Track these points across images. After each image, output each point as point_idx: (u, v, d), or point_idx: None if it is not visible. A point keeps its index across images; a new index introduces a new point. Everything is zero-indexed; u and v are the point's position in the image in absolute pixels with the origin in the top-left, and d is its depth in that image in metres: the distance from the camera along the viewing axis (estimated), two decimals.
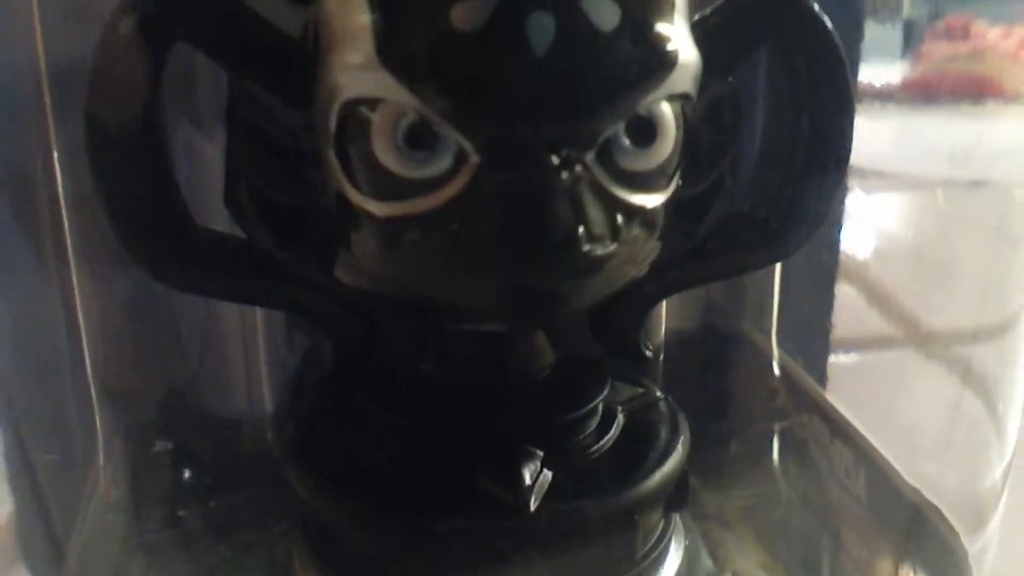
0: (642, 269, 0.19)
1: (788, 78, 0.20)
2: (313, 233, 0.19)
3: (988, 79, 0.27)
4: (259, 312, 0.27)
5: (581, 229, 0.16)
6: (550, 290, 0.17)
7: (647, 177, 0.17)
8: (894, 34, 0.28)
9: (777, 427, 0.31)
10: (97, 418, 0.28)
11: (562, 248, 0.16)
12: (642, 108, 0.17)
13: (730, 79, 0.19)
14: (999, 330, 0.26)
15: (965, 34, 0.28)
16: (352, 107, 0.16)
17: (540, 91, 0.15)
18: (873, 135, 0.26)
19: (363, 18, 0.16)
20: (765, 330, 0.31)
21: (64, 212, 0.25)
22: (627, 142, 0.17)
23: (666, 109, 0.17)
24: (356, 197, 0.17)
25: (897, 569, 0.26)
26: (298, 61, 0.17)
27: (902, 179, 0.29)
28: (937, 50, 0.28)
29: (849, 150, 0.20)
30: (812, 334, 0.31)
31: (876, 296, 0.30)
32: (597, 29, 0.15)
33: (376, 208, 0.17)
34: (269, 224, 0.19)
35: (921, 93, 0.28)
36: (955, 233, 0.28)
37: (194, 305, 0.27)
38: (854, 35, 0.26)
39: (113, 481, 0.28)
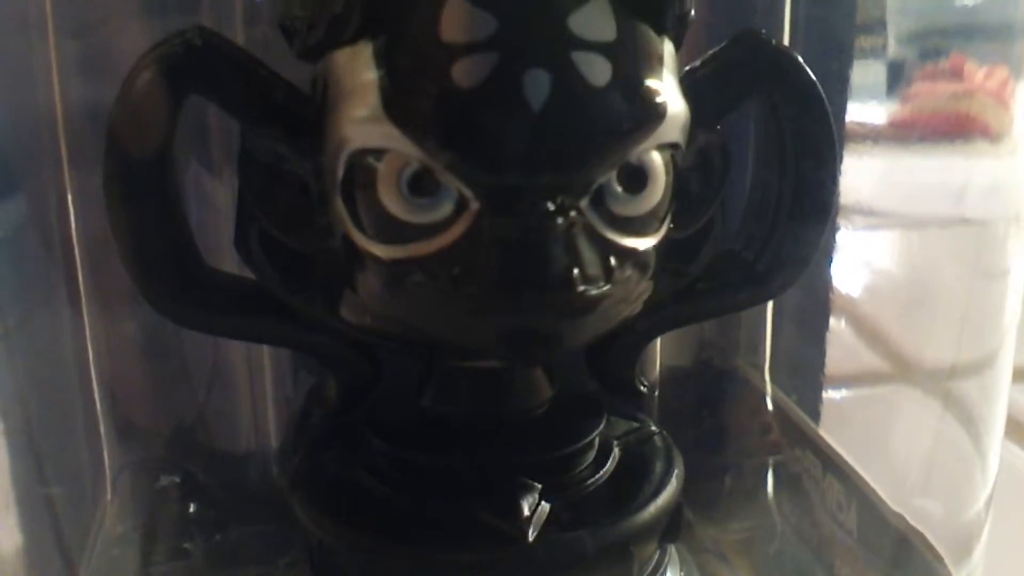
0: (635, 308, 0.20)
1: (774, 129, 0.21)
2: (320, 275, 0.20)
3: (973, 118, 0.28)
4: (266, 350, 0.28)
5: (576, 271, 0.17)
6: (547, 329, 0.18)
7: (638, 221, 0.18)
8: (880, 75, 0.29)
9: (771, 461, 0.31)
10: (105, 453, 0.28)
11: (558, 289, 0.17)
12: (633, 157, 0.17)
13: (719, 128, 0.20)
14: (983, 364, 0.27)
15: (958, 74, 0.28)
16: (359, 157, 0.17)
17: (536, 143, 0.16)
18: (862, 174, 0.27)
19: (370, 75, 0.17)
20: (758, 366, 0.32)
21: (77, 254, 0.26)
22: (619, 189, 0.17)
23: (656, 158, 0.18)
24: (362, 241, 0.18)
25: None
26: (307, 114, 0.18)
27: (891, 217, 0.30)
28: (924, 90, 0.29)
29: (832, 198, 0.21)
30: (805, 370, 0.32)
31: (867, 332, 0.31)
32: (590, 84, 0.16)
33: (381, 251, 0.18)
34: (278, 267, 0.20)
35: (908, 132, 0.29)
36: (941, 270, 0.28)
37: (202, 343, 0.28)
38: (841, 77, 0.27)
39: (120, 515, 0.28)
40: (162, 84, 0.18)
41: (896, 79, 0.29)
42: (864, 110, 0.28)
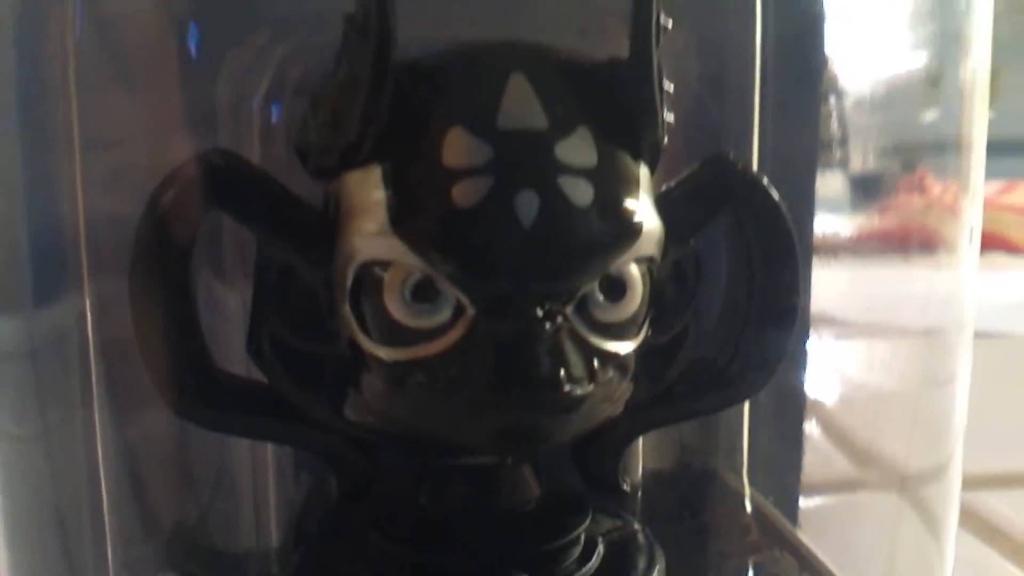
0: (617, 408, 0.21)
1: (741, 242, 0.22)
2: (327, 377, 0.21)
3: (932, 231, 0.30)
4: (269, 452, 0.29)
5: (562, 372, 0.18)
6: (536, 426, 0.19)
7: (619, 327, 0.20)
8: (842, 190, 0.30)
9: (750, 561, 0.31)
10: (109, 551, 0.28)
11: (546, 388, 0.18)
12: (613, 269, 0.19)
13: (691, 243, 0.22)
14: (942, 467, 0.28)
15: (922, 189, 0.30)
16: (367, 267, 0.19)
17: (527, 257, 0.18)
18: (831, 285, 0.29)
19: (379, 194, 0.19)
20: (737, 469, 0.32)
21: (92, 359, 0.27)
22: (601, 297, 0.19)
23: (634, 270, 0.19)
24: (367, 344, 0.19)
25: None
26: (319, 228, 0.20)
27: (857, 327, 0.31)
28: (887, 204, 0.30)
29: (794, 305, 0.22)
30: (782, 473, 0.32)
31: (837, 436, 0.32)
32: (574, 205, 0.18)
33: (385, 354, 0.19)
34: (288, 368, 0.21)
35: (873, 245, 0.30)
36: (901, 377, 0.30)
37: (208, 445, 0.28)
38: (806, 194, 0.29)
39: None
40: (187, 200, 0.20)
41: (858, 194, 0.30)
42: (830, 224, 0.30)
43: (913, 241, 0.30)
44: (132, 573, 0.29)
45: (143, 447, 0.28)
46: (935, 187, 0.29)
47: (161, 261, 0.20)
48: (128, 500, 0.28)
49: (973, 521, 0.43)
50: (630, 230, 0.19)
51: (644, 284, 0.20)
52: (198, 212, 0.20)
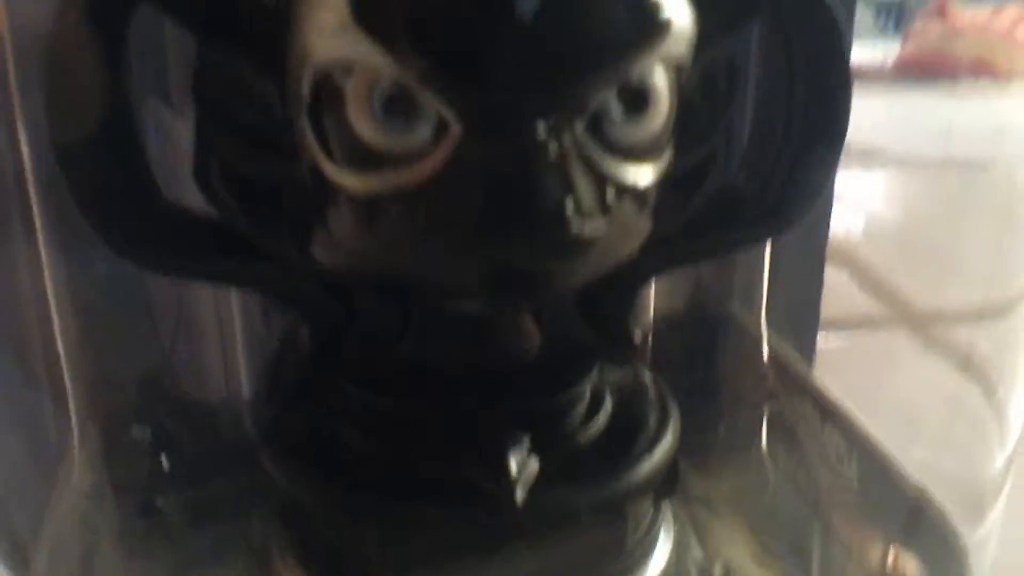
0: (633, 248, 0.18)
1: (784, 49, 0.20)
2: (288, 209, 0.18)
3: (981, 59, 0.28)
4: (235, 293, 0.27)
5: (570, 204, 0.16)
6: (536, 270, 0.17)
7: (639, 149, 0.17)
8: (885, 14, 0.28)
9: (766, 410, 0.31)
10: (71, 402, 0.27)
11: (550, 226, 0.16)
12: (634, 75, 0.16)
13: (724, 47, 0.19)
14: (997, 312, 0.26)
15: (942, 14, 0.28)
16: (325, 73, 0.16)
17: (526, 54, 0.15)
18: (864, 113, 0.26)
19: None
20: (754, 311, 0.31)
21: (32, 191, 0.25)
22: (618, 112, 0.16)
23: (659, 77, 0.17)
24: (332, 171, 0.17)
25: (889, 556, 0.26)
26: (268, 25, 0.17)
27: (892, 157, 0.29)
28: (928, 30, 0.28)
29: (847, 123, 0.20)
30: (801, 314, 0.31)
31: (865, 277, 0.30)
32: None
33: (352, 183, 0.17)
34: (241, 199, 0.18)
35: (912, 72, 0.28)
36: (944, 213, 0.28)
37: (167, 287, 0.27)
38: (846, 15, 0.26)
39: (89, 467, 0.27)
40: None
41: (901, 19, 0.28)
42: (869, 49, 0.27)
43: (936, 69, 0.28)
44: (100, 426, 0.28)
45: (96, 288, 0.27)
46: (961, 14, 0.27)
47: (85, 65, 0.17)
48: (86, 346, 0.27)
49: None
50: (657, 25, 0.16)
51: (671, 95, 0.17)
52: (123, 13, 0.17)
